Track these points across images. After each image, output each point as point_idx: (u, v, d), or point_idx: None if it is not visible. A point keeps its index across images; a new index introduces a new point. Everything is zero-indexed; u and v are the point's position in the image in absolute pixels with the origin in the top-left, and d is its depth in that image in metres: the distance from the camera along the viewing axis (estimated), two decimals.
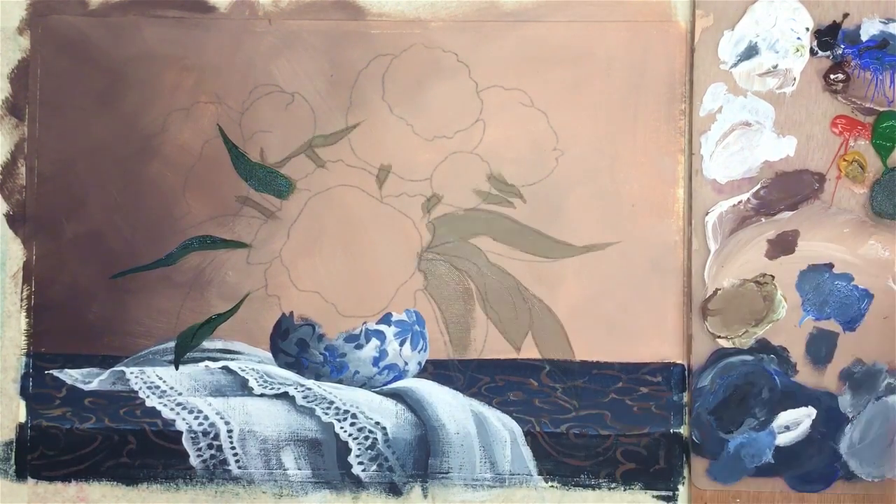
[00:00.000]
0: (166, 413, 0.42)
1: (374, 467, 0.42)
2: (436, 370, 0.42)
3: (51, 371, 0.42)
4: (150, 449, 0.42)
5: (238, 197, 0.43)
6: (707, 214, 0.41)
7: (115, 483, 0.42)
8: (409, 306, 0.42)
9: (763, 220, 0.41)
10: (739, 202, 0.41)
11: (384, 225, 0.42)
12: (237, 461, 0.42)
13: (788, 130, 0.41)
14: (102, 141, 0.43)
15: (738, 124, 0.41)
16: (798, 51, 0.41)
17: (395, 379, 0.42)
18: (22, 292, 0.42)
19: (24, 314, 0.42)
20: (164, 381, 0.42)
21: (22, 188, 0.43)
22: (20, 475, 0.42)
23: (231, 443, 0.42)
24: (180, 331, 0.42)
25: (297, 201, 0.42)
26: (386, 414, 0.42)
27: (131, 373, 0.42)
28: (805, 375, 0.41)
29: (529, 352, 0.41)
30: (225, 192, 0.43)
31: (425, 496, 0.42)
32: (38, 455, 0.42)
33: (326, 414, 0.42)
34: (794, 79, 0.41)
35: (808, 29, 0.41)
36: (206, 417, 0.42)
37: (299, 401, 0.42)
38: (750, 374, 0.41)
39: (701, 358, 0.41)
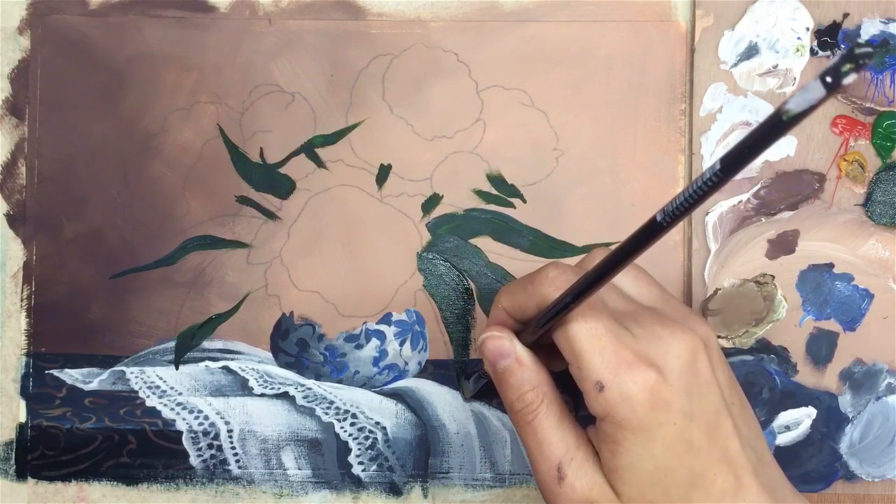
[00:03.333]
0: (166, 413, 0.42)
1: (374, 467, 0.42)
2: (436, 370, 0.42)
3: (51, 371, 0.42)
4: (151, 449, 0.42)
5: (238, 197, 0.43)
6: (707, 214, 0.41)
7: (116, 483, 0.42)
8: (409, 306, 0.42)
9: (763, 220, 0.41)
10: (739, 202, 0.41)
11: (384, 225, 0.42)
12: (237, 461, 0.42)
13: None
14: (102, 141, 0.43)
15: (739, 124, 0.41)
16: (798, 51, 0.41)
17: (396, 379, 0.42)
18: (22, 292, 0.42)
19: (24, 314, 0.42)
20: (165, 381, 0.42)
21: (22, 188, 0.43)
22: (20, 475, 0.42)
23: (231, 443, 0.42)
24: (180, 331, 0.42)
25: (297, 201, 0.42)
26: (386, 414, 0.42)
27: (131, 373, 0.42)
28: (805, 375, 0.41)
29: None
30: (225, 192, 0.43)
31: (425, 496, 0.42)
32: (38, 455, 0.42)
33: (326, 414, 0.42)
34: (794, 79, 0.41)
35: (808, 29, 0.41)
36: (206, 417, 0.42)
37: (299, 401, 0.42)
38: (750, 374, 0.41)
39: None
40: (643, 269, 0.34)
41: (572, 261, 0.41)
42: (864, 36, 0.41)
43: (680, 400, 0.29)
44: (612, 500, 0.30)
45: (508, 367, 0.32)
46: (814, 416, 0.41)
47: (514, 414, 0.32)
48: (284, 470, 0.42)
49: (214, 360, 0.42)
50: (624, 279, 0.33)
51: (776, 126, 0.19)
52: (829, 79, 0.17)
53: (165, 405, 0.42)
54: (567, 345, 0.30)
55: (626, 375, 0.29)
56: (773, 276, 0.41)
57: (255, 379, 0.42)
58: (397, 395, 0.42)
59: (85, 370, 0.42)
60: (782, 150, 0.41)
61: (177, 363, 0.42)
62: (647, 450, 0.29)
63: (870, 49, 0.17)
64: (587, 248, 0.42)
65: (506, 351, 0.32)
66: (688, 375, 0.29)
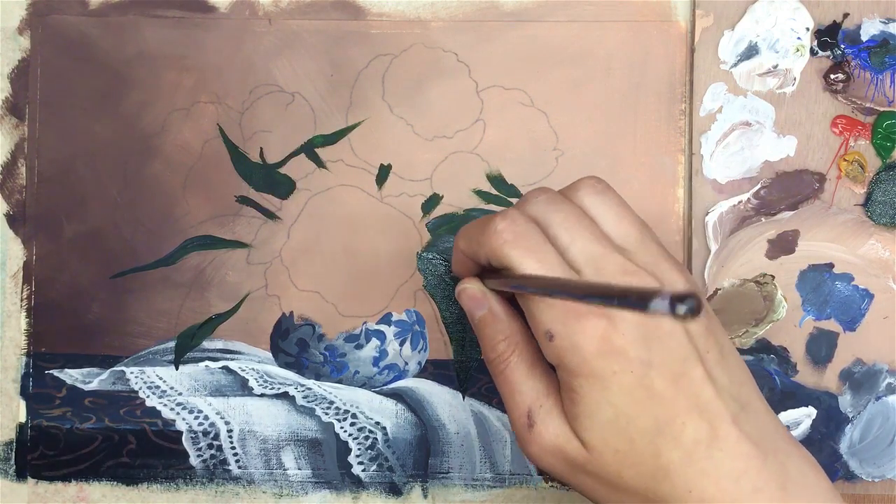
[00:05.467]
0: (166, 413, 0.42)
1: (374, 467, 0.42)
2: (436, 370, 0.42)
3: (51, 371, 0.42)
4: (150, 449, 0.42)
5: (238, 197, 0.43)
6: (707, 214, 0.41)
7: (115, 483, 0.42)
8: (409, 306, 0.42)
9: (763, 220, 0.41)
10: (739, 202, 0.41)
11: (384, 225, 0.42)
12: (237, 461, 0.42)
13: (788, 130, 0.41)
14: (102, 141, 0.43)
15: (739, 124, 0.41)
16: (798, 51, 0.41)
17: (396, 379, 0.42)
18: (22, 292, 0.42)
19: (24, 314, 0.42)
20: (164, 381, 0.42)
21: (22, 188, 0.43)
22: (20, 475, 0.42)
23: (231, 443, 0.42)
24: (180, 331, 0.42)
25: (297, 201, 0.42)
26: (386, 414, 0.42)
27: (131, 373, 0.42)
28: (805, 375, 0.41)
29: None
30: (225, 192, 0.43)
31: (425, 496, 0.42)
32: (38, 455, 0.42)
33: (326, 414, 0.42)
34: (794, 79, 0.41)
35: (808, 29, 0.41)
36: (206, 417, 0.42)
37: (299, 401, 0.42)
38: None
39: None
40: (627, 205, 0.33)
41: None
42: (864, 36, 0.41)
43: (636, 349, 0.29)
44: (577, 447, 0.30)
45: (483, 318, 0.34)
46: (814, 416, 0.41)
47: (488, 364, 0.34)
48: (284, 470, 0.42)
49: (214, 360, 0.42)
50: (605, 212, 0.32)
51: (639, 308, 0.22)
52: (680, 312, 0.21)
53: (165, 405, 0.42)
54: (520, 296, 0.31)
55: (574, 325, 0.29)
56: (773, 276, 0.41)
57: (255, 379, 0.42)
58: (397, 395, 0.42)
59: (85, 370, 0.42)
60: (782, 151, 0.41)
61: (177, 363, 0.42)
62: (603, 397, 0.29)
63: (692, 305, 0.20)
64: None
65: (480, 303, 0.34)
66: (644, 324, 0.29)
